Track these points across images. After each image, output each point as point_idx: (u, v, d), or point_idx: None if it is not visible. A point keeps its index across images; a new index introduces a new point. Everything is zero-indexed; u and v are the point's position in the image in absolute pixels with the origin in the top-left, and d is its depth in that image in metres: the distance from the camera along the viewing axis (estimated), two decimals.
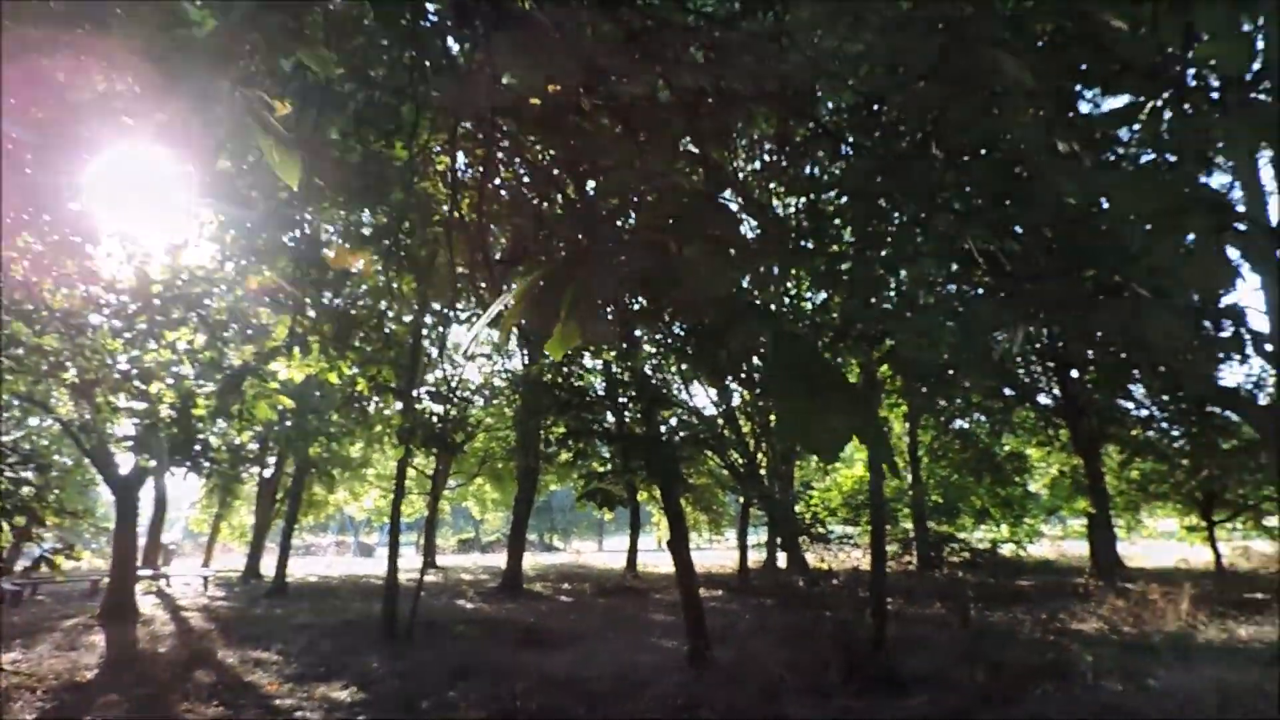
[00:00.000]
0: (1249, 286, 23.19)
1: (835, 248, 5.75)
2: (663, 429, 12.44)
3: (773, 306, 7.80)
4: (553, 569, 28.46)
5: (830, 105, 5.66)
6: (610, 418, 11.86)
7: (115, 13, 2.26)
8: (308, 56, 2.35)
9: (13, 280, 7.98)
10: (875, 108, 4.62)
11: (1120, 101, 2.57)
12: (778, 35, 3.71)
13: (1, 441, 12.31)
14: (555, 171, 3.34)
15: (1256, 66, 2.19)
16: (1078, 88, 3.12)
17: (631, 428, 11.23)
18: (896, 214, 4.74)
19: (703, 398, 19.14)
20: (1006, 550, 19.62)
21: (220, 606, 16.41)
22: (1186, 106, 2.40)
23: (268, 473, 23.50)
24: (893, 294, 5.91)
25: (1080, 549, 25.10)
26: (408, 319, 11.52)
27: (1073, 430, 19.78)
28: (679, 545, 9.70)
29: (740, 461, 17.63)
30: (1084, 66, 2.88)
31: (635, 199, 2.22)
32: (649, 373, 11.85)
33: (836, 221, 5.92)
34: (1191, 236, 2.03)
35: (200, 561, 29.73)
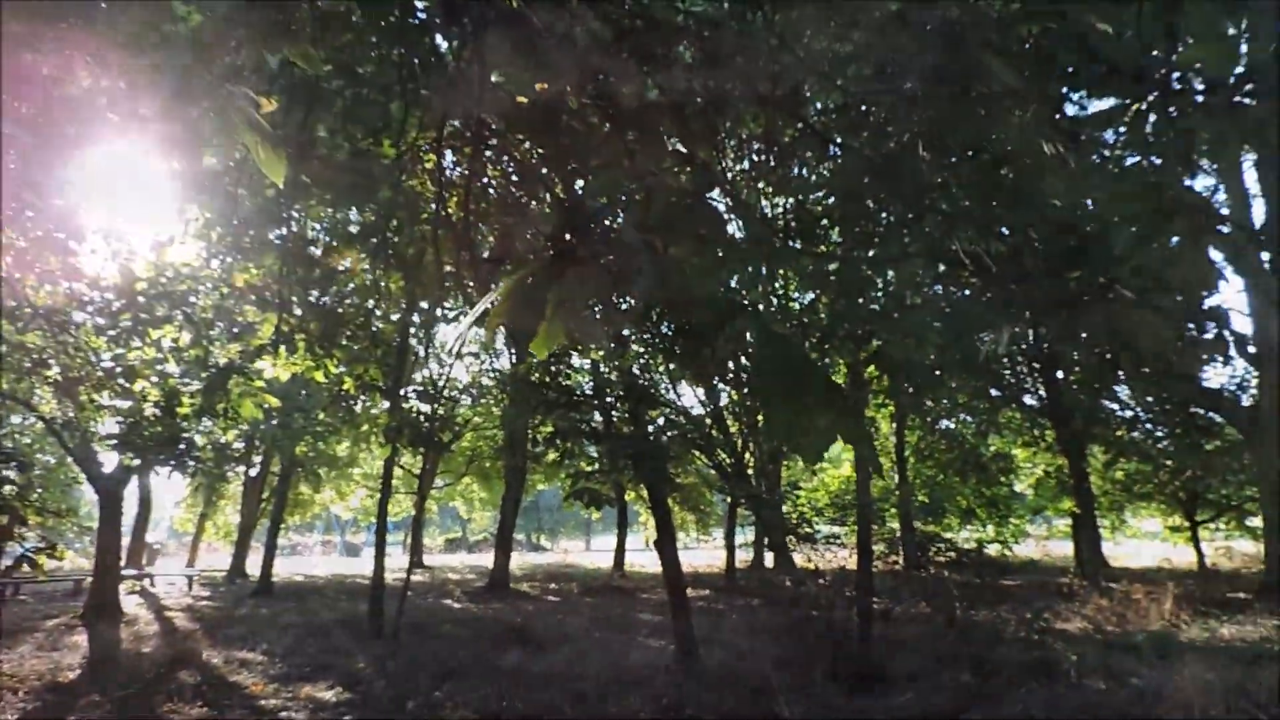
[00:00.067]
0: (1232, 289, 23.42)
1: (823, 248, 5.77)
2: (650, 429, 12.43)
3: (760, 306, 7.81)
4: (540, 568, 28.43)
5: (819, 106, 5.67)
6: (598, 417, 11.84)
7: (101, 7, 2.24)
8: (295, 53, 2.34)
9: None
10: (864, 108, 4.63)
11: (1106, 104, 2.60)
12: (767, 36, 3.71)
13: None
14: (543, 170, 3.33)
15: (1240, 70, 2.21)
16: (1064, 90, 3.13)
17: (619, 427, 11.22)
18: (884, 215, 4.76)
19: (690, 397, 19.17)
20: (992, 550, 19.65)
21: (205, 606, 16.27)
22: (1171, 109, 2.42)
23: (253, 472, 23.32)
24: (880, 294, 5.93)
25: (1065, 549, 25.28)
26: (395, 317, 11.49)
27: (1058, 431, 19.91)
28: (666, 545, 9.70)
29: (728, 461, 17.64)
30: (1070, 69, 2.90)
31: (623, 198, 2.22)
32: (636, 372, 11.84)
33: (824, 222, 5.94)
34: (1176, 239, 2.05)
35: (185, 561, 29.48)
